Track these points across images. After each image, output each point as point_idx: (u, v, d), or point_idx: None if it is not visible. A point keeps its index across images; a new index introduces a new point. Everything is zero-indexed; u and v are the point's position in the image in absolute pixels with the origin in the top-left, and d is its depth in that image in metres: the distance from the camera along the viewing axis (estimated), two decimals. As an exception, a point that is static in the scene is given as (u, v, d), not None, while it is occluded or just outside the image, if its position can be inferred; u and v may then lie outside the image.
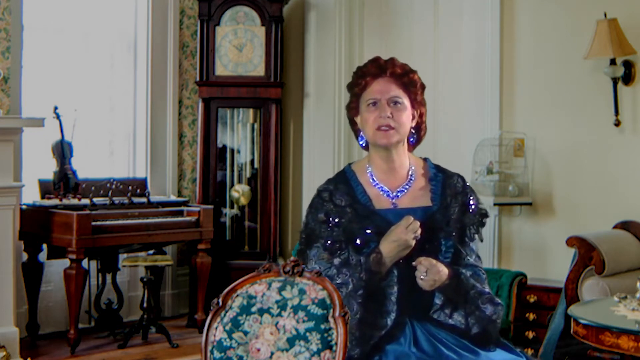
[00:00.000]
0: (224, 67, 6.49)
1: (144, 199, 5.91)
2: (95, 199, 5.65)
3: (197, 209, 5.99)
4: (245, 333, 2.37)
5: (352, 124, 2.83)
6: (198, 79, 6.49)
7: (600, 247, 4.82)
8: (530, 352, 4.92)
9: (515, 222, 5.94)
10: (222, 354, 2.37)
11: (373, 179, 2.73)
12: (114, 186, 5.80)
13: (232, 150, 6.67)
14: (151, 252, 6.09)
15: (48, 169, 5.68)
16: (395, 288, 2.58)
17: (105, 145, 6.48)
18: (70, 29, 6.18)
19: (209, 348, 2.39)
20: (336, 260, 2.61)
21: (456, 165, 2.84)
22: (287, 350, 2.34)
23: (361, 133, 2.77)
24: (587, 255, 4.84)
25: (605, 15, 5.30)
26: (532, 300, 5.24)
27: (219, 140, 6.57)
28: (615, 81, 5.37)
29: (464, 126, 6.14)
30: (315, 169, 6.68)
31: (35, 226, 5.50)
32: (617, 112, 5.41)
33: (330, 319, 2.35)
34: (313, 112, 6.80)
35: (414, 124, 2.75)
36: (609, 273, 4.81)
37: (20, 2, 5.70)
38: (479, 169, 5.79)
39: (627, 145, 5.44)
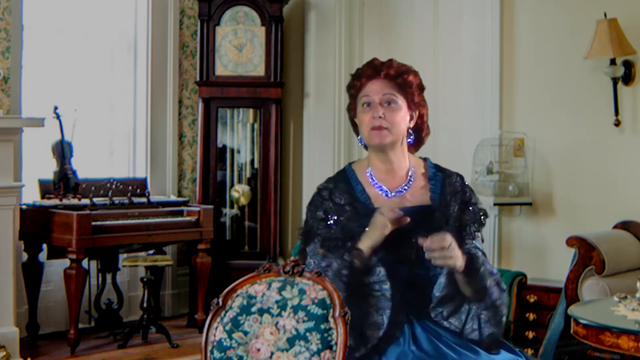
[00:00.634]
0: (224, 67, 6.49)
1: (144, 199, 5.91)
2: (95, 199, 5.65)
3: (197, 209, 6.00)
4: (245, 333, 2.37)
5: (353, 124, 2.85)
6: (198, 79, 6.49)
7: (600, 247, 4.82)
8: (530, 352, 4.92)
9: (515, 222, 5.94)
10: (222, 354, 2.37)
11: (372, 179, 2.74)
12: (114, 186, 5.80)
13: (232, 150, 6.67)
14: (151, 252, 6.09)
15: (48, 169, 5.68)
16: (388, 285, 2.58)
17: (105, 145, 6.48)
18: (70, 29, 6.18)
19: (209, 348, 2.39)
20: (330, 254, 2.61)
21: (456, 165, 2.85)
22: (287, 350, 2.34)
23: None
24: (587, 255, 4.84)
25: (605, 15, 5.31)
26: (532, 300, 5.24)
27: (219, 140, 6.57)
28: (615, 81, 5.37)
29: (464, 126, 6.15)
30: (315, 169, 6.68)
31: (35, 226, 5.50)
32: (617, 112, 5.41)
33: (330, 319, 2.35)
34: (313, 112, 6.80)
35: (412, 125, 2.75)
36: (609, 273, 4.81)
37: (20, 2, 5.70)
38: (479, 169, 5.79)
39: (627, 145, 5.44)
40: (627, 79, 5.40)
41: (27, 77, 5.78)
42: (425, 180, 2.74)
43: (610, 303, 3.80)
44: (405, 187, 2.73)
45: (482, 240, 2.76)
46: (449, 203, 2.69)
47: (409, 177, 2.74)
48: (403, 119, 2.71)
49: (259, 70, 6.49)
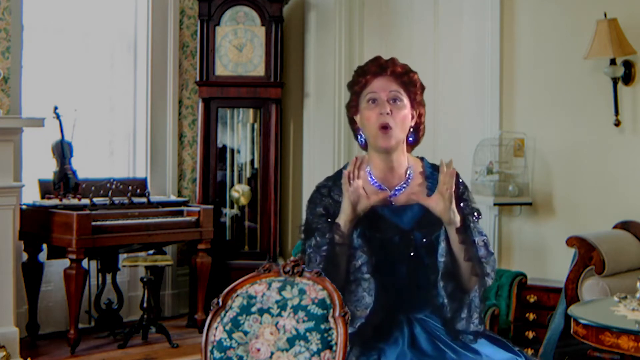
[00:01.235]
0: (224, 67, 6.49)
1: (144, 199, 5.91)
2: (95, 199, 5.65)
3: (197, 209, 5.99)
4: (245, 333, 2.37)
5: (352, 122, 2.84)
6: (198, 79, 6.49)
7: (600, 247, 4.82)
8: (530, 352, 4.92)
9: (515, 222, 5.94)
10: (222, 354, 2.37)
11: (371, 178, 2.74)
12: (114, 186, 5.80)
13: (232, 150, 6.67)
14: (151, 252, 6.09)
15: (48, 169, 5.68)
16: (372, 282, 2.59)
17: (105, 145, 6.48)
18: (70, 29, 6.18)
19: (209, 348, 2.39)
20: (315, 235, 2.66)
21: (456, 165, 2.84)
22: (287, 350, 2.34)
23: (360, 132, 2.79)
24: (587, 255, 4.84)
25: (605, 15, 5.31)
26: (532, 300, 5.24)
27: (219, 140, 6.57)
28: (615, 81, 5.37)
29: (464, 126, 6.14)
30: (315, 169, 6.68)
31: (35, 226, 5.50)
32: (617, 112, 5.41)
33: (330, 319, 2.35)
34: (313, 112, 6.80)
35: (412, 124, 2.76)
36: (609, 273, 4.81)
37: (20, 2, 5.70)
38: (479, 169, 5.79)
39: (627, 145, 5.44)
40: (627, 79, 5.40)
41: (27, 77, 5.78)
42: (423, 178, 2.75)
43: (610, 303, 3.80)
44: (404, 185, 2.74)
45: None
46: None
47: (407, 176, 2.75)
48: (407, 117, 2.73)
49: (259, 70, 6.49)
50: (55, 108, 5.64)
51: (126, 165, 6.53)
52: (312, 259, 2.59)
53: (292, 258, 2.47)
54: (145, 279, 5.64)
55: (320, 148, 6.73)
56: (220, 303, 2.41)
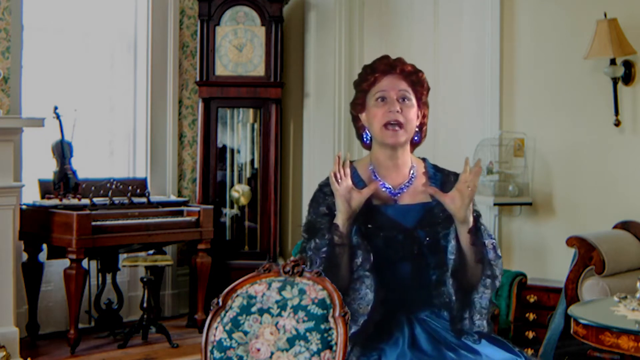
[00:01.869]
0: (224, 67, 6.49)
1: (144, 199, 5.91)
2: (95, 199, 5.65)
3: (197, 209, 5.99)
4: (245, 333, 2.37)
5: (356, 120, 2.83)
6: (198, 79, 6.49)
7: (600, 247, 4.82)
8: (530, 352, 4.92)
9: (515, 222, 5.94)
10: (222, 354, 2.37)
11: (375, 176, 2.74)
12: (114, 186, 5.80)
13: (232, 150, 6.67)
14: (151, 252, 6.09)
15: (48, 169, 5.68)
16: (371, 278, 2.58)
17: (105, 145, 6.48)
18: (70, 29, 6.18)
19: (209, 348, 2.39)
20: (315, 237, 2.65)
21: (456, 165, 2.85)
22: (287, 350, 2.34)
23: (366, 130, 2.78)
24: (587, 255, 4.84)
25: (605, 15, 5.30)
26: (532, 300, 5.24)
27: (219, 140, 6.57)
28: (615, 81, 5.37)
29: (464, 126, 6.15)
30: (315, 169, 6.68)
31: (35, 226, 5.50)
32: (617, 112, 5.41)
33: (330, 319, 2.35)
34: (313, 112, 6.80)
35: (417, 123, 2.77)
36: (609, 273, 4.81)
37: (20, 2, 5.70)
38: (479, 169, 5.78)
39: (627, 145, 5.44)
40: (627, 79, 5.40)
41: (27, 77, 5.78)
42: (426, 179, 2.76)
43: (610, 303, 3.80)
44: (408, 184, 2.74)
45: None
46: None
47: (411, 175, 2.76)
48: (415, 116, 2.74)
49: (259, 70, 6.49)
50: (55, 108, 5.64)
51: (126, 165, 6.53)
52: (313, 261, 2.58)
53: (292, 258, 2.47)
54: (145, 279, 5.64)
55: (320, 148, 6.73)
56: (220, 303, 2.41)
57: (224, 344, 2.38)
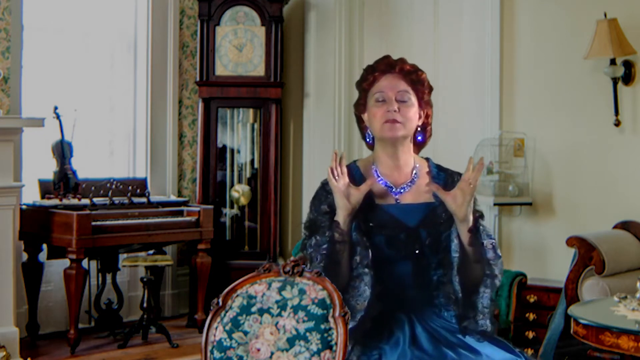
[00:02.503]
0: (224, 67, 6.49)
1: (144, 199, 5.91)
2: (95, 199, 5.65)
3: (197, 209, 5.99)
4: (245, 333, 2.37)
5: (359, 121, 2.84)
6: (198, 79, 6.49)
7: (600, 247, 4.82)
8: (530, 352, 4.92)
9: (515, 222, 5.94)
10: (222, 354, 2.37)
11: (378, 175, 2.74)
12: (114, 186, 5.80)
13: (232, 150, 6.67)
14: (151, 252, 6.09)
15: (48, 169, 5.68)
16: (370, 275, 2.58)
17: (105, 145, 6.48)
18: (70, 29, 6.18)
19: (209, 348, 2.39)
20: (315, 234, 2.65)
21: (456, 165, 2.86)
22: (287, 350, 2.34)
23: (368, 130, 2.79)
24: (587, 255, 4.84)
25: (605, 15, 5.30)
26: (532, 300, 5.24)
27: (219, 140, 6.57)
28: (615, 81, 5.37)
29: (464, 126, 6.14)
30: (315, 169, 6.68)
31: (35, 226, 5.50)
32: (617, 112, 5.41)
33: (330, 319, 2.35)
34: (313, 112, 6.80)
35: (420, 123, 2.77)
36: (609, 273, 4.81)
37: (20, 2, 5.70)
38: (479, 169, 5.78)
39: (627, 145, 5.44)
40: (627, 79, 5.40)
41: (27, 77, 5.78)
42: (429, 178, 2.76)
43: (610, 303, 3.80)
44: (410, 184, 2.75)
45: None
46: None
47: (413, 175, 2.76)
48: (415, 115, 2.74)
49: (259, 70, 6.49)
50: (55, 108, 5.64)
51: (126, 165, 6.53)
52: (313, 258, 2.59)
53: (292, 258, 2.47)
54: (145, 279, 5.64)
55: (320, 148, 6.73)
56: (220, 303, 2.41)
57: (224, 344, 2.38)
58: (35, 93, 5.86)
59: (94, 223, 5.41)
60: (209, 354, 2.39)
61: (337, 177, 2.59)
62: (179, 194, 6.62)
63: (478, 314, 2.64)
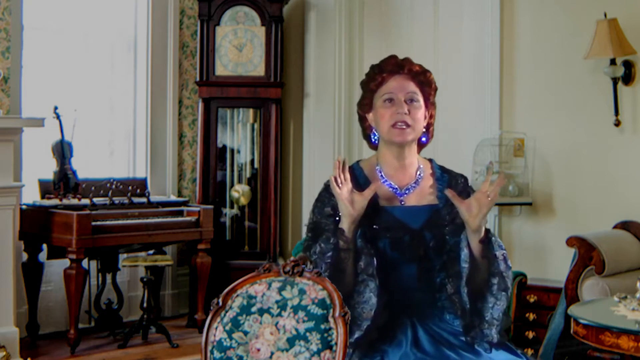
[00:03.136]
0: (224, 67, 6.49)
1: (144, 199, 5.91)
2: (95, 199, 5.65)
3: (197, 209, 5.99)
4: (245, 333, 2.37)
5: (363, 120, 2.83)
6: (198, 79, 6.49)
7: (600, 247, 4.82)
8: (530, 352, 4.92)
9: (515, 222, 5.94)
10: (222, 354, 2.37)
11: (382, 176, 2.74)
12: (114, 186, 5.80)
13: (232, 150, 6.67)
14: (151, 252, 6.09)
15: (48, 169, 5.68)
16: (375, 282, 2.57)
17: (105, 145, 6.48)
18: (70, 29, 6.18)
19: (209, 348, 2.39)
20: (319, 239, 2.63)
21: (456, 165, 2.86)
22: (287, 350, 2.34)
23: (373, 130, 2.78)
24: (587, 255, 4.84)
25: (605, 15, 5.30)
26: (532, 300, 5.23)
27: (219, 140, 6.57)
28: (615, 81, 5.37)
29: (464, 126, 6.14)
30: (315, 169, 6.68)
31: (35, 226, 5.50)
32: (617, 112, 5.41)
33: (330, 319, 2.35)
34: (313, 112, 6.80)
35: (425, 124, 2.77)
36: (609, 273, 4.81)
37: (20, 2, 5.70)
38: (479, 169, 5.79)
39: (627, 145, 5.44)
40: (627, 79, 5.40)
41: (27, 77, 5.78)
42: (433, 180, 2.76)
43: (610, 303, 3.80)
44: (414, 185, 2.74)
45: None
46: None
47: (417, 175, 2.75)
48: (422, 116, 2.73)
49: (259, 70, 6.49)
50: (55, 108, 5.64)
51: (126, 165, 6.53)
52: (318, 266, 2.55)
53: (292, 258, 2.47)
54: (145, 279, 5.64)
55: (320, 148, 6.73)
56: (220, 303, 2.41)
57: (224, 344, 2.38)
58: (35, 93, 5.86)
59: (94, 223, 5.41)
60: (209, 354, 2.39)
61: (340, 185, 2.56)
62: (179, 194, 6.62)
63: (484, 323, 2.60)
